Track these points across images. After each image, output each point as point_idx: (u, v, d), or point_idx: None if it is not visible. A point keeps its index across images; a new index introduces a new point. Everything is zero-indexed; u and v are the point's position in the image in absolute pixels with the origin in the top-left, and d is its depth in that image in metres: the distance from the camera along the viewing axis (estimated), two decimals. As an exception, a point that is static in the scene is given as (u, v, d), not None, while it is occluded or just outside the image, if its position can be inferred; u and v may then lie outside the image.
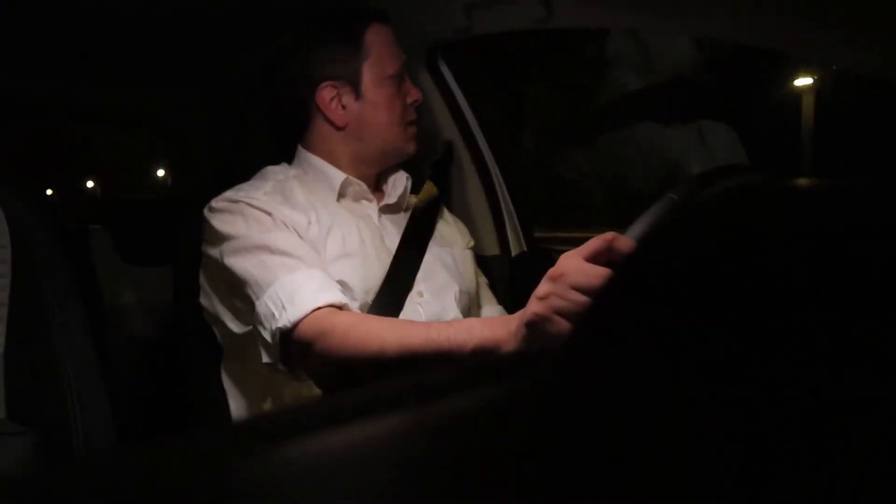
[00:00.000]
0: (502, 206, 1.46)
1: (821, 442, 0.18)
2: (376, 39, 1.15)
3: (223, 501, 0.20)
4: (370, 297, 1.05)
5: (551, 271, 0.73)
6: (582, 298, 0.70)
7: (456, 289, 1.14)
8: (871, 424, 0.18)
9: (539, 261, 1.41)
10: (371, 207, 1.18)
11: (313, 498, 0.20)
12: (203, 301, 1.10)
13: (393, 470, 0.21)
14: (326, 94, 1.15)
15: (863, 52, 0.83)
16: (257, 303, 0.96)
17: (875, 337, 0.19)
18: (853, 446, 0.18)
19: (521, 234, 1.47)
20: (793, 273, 0.21)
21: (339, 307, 0.94)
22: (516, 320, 0.77)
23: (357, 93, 1.15)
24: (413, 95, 1.18)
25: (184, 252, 1.23)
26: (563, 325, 0.71)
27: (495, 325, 0.81)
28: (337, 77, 1.14)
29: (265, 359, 0.97)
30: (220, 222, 1.04)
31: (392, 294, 1.06)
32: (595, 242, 0.71)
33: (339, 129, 1.16)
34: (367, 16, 1.16)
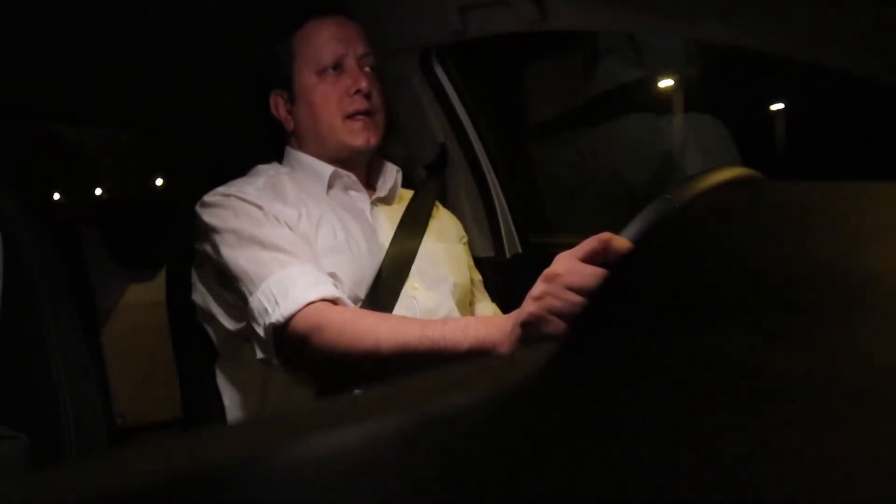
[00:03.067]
0: (497, 207, 1.46)
1: (817, 439, 0.18)
2: (306, 37, 1.14)
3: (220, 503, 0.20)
4: (362, 290, 1.05)
5: (546, 272, 0.73)
6: (577, 299, 0.70)
7: (450, 282, 1.14)
8: (865, 422, 0.18)
9: (536, 261, 1.40)
10: (363, 200, 1.18)
11: (312, 499, 0.20)
12: (196, 298, 1.10)
13: (391, 472, 0.21)
14: (274, 102, 1.18)
15: (862, 56, 0.83)
16: (250, 298, 0.96)
17: (868, 334, 0.19)
18: (851, 446, 0.18)
19: (515, 235, 1.47)
20: (785, 272, 0.21)
21: (333, 301, 0.94)
22: (511, 320, 0.77)
23: (292, 97, 1.16)
24: (354, 84, 1.12)
25: (176, 252, 1.23)
26: (558, 325, 0.71)
27: (491, 325, 0.81)
28: (278, 84, 1.16)
29: (259, 354, 0.97)
30: (211, 217, 1.04)
31: (386, 287, 1.06)
32: (590, 243, 0.71)
33: (291, 133, 1.19)
34: (306, 15, 1.15)
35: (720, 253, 0.23)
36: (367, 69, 1.15)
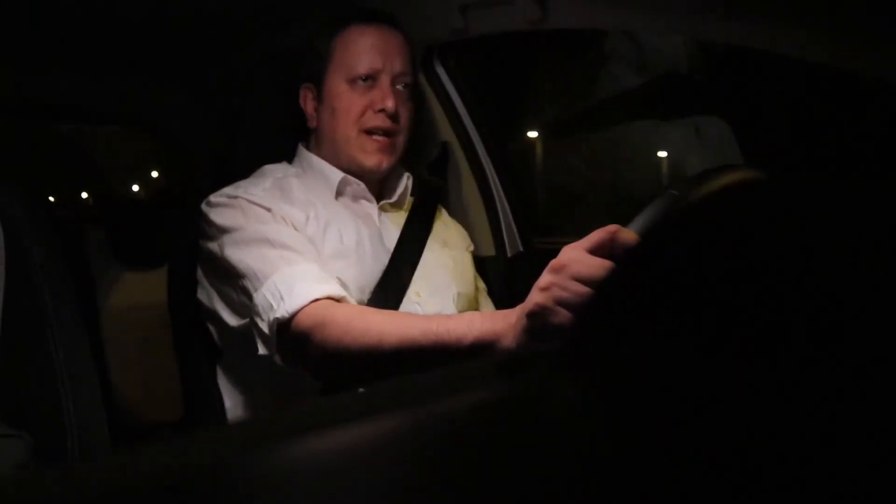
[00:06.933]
0: (498, 206, 1.46)
1: (818, 433, 0.18)
2: (347, 41, 1.13)
3: (221, 502, 0.20)
4: (366, 296, 1.05)
5: (553, 262, 0.72)
6: (584, 289, 0.69)
7: (454, 290, 1.13)
8: (866, 419, 0.18)
9: (537, 260, 1.40)
10: (371, 207, 1.18)
11: (313, 498, 0.20)
12: (200, 296, 1.10)
13: (393, 469, 0.21)
14: (304, 95, 1.18)
15: (858, 52, 0.83)
16: (255, 294, 0.96)
17: (873, 332, 0.19)
18: (850, 441, 0.18)
19: (517, 234, 1.47)
20: (792, 268, 0.21)
21: (338, 299, 0.94)
22: (517, 312, 0.77)
23: (319, 96, 1.16)
24: (381, 101, 1.11)
25: (179, 251, 1.23)
26: (564, 315, 0.70)
27: (496, 318, 0.80)
28: (310, 79, 1.17)
29: (262, 350, 0.97)
30: (218, 216, 1.05)
31: (388, 293, 1.06)
32: (598, 234, 0.71)
33: (312, 130, 1.19)
34: (352, 17, 1.15)
35: (726, 247, 0.23)
36: (399, 87, 1.14)
